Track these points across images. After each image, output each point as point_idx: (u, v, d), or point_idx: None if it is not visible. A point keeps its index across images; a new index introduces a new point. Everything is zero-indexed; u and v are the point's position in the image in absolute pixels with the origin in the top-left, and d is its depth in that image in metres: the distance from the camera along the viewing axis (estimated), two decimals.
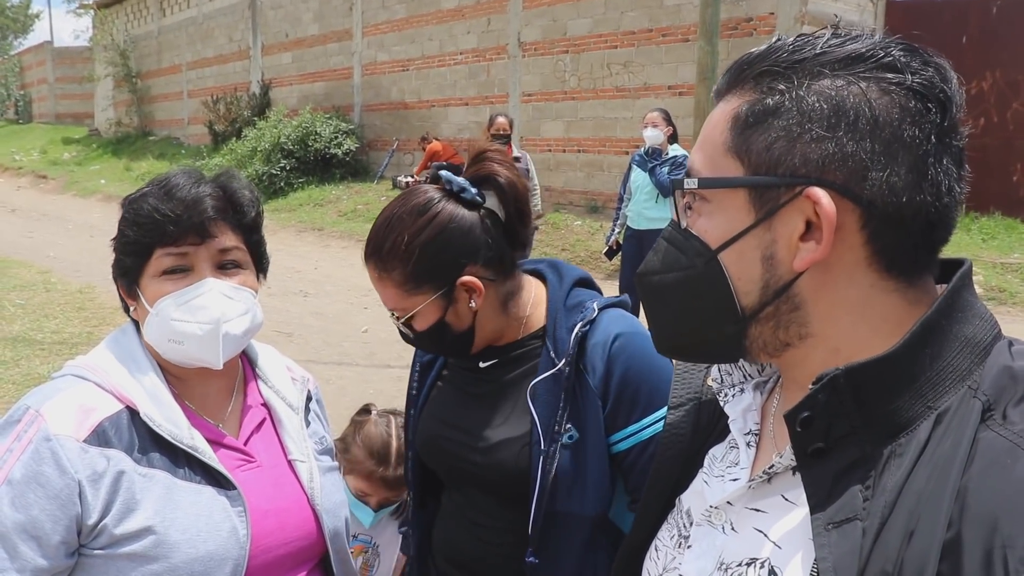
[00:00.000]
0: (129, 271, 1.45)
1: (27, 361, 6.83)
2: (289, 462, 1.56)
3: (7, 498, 1.26)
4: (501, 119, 8.38)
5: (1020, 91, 11.42)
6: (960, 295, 0.83)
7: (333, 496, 1.59)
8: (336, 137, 17.99)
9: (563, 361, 1.52)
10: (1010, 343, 0.82)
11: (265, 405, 1.60)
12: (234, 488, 1.41)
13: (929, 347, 0.80)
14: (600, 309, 1.57)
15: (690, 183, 0.89)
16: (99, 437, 1.33)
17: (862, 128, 0.79)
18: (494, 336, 1.62)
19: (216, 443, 1.47)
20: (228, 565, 1.36)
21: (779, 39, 0.87)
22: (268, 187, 17.33)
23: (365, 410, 2.31)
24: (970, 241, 10.51)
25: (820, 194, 0.80)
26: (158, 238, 1.41)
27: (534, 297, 1.65)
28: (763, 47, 0.87)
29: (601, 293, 1.68)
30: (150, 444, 1.37)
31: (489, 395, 1.64)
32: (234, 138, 20.25)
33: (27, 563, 1.25)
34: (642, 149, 7.44)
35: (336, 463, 1.71)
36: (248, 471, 1.49)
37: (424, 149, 15.97)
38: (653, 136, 7.18)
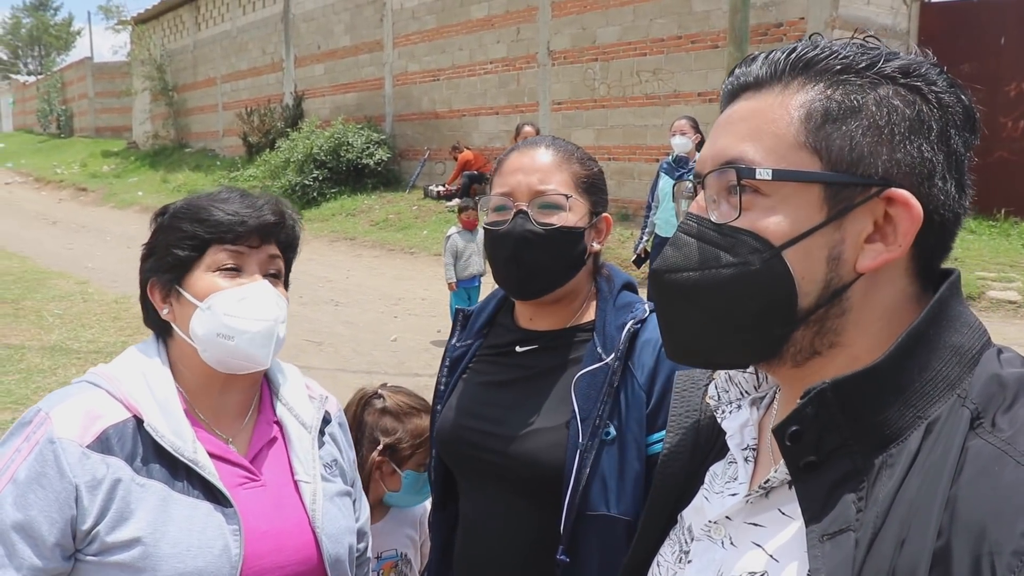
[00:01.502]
0: (178, 266, 1.47)
1: (64, 370, 6.95)
2: (295, 483, 1.53)
3: (10, 497, 1.29)
4: (528, 128, 8.40)
5: None
6: (948, 304, 0.82)
7: (337, 521, 1.55)
8: (368, 147, 18.14)
9: (611, 356, 1.52)
10: (999, 351, 0.82)
11: (278, 423, 1.59)
12: (231, 506, 1.40)
13: (917, 357, 0.80)
14: (651, 311, 1.58)
15: (763, 173, 0.83)
16: (102, 444, 1.35)
17: (933, 139, 0.82)
18: (565, 300, 1.63)
19: (221, 459, 1.46)
20: None
21: (825, 41, 0.87)
22: (301, 197, 17.51)
23: (371, 399, 2.27)
24: (1009, 247, 10.31)
25: (908, 196, 0.80)
26: (221, 235, 1.46)
27: (588, 291, 1.67)
28: (815, 46, 0.86)
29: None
30: (152, 455, 1.38)
31: (521, 382, 1.62)
32: (268, 149, 20.49)
33: (24, 561, 1.27)
34: (670, 156, 7.42)
35: (347, 487, 1.65)
36: (250, 489, 1.47)
37: (455, 158, 16.07)
38: (681, 144, 7.17)
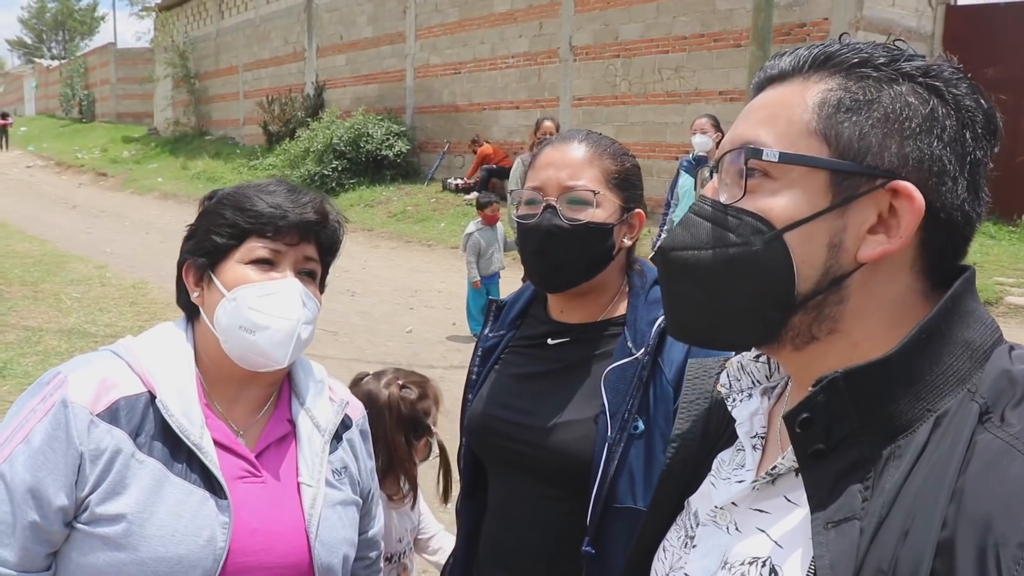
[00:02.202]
0: (214, 251, 1.46)
1: (81, 353, 6.97)
2: (298, 484, 1.49)
3: (23, 456, 1.30)
4: (548, 123, 8.39)
5: None
6: (962, 300, 0.83)
7: (335, 530, 1.50)
8: (388, 139, 18.17)
9: (641, 351, 1.54)
10: (1011, 347, 0.82)
11: (291, 422, 1.55)
12: (226, 497, 1.38)
13: (929, 351, 0.80)
14: None
15: (770, 155, 0.85)
16: (111, 414, 1.35)
17: (946, 138, 0.83)
18: (595, 293, 1.64)
19: (227, 449, 1.44)
20: (196, 573, 1.33)
21: (852, 40, 0.89)
22: (320, 187, 17.55)
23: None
24: None
25: (912, 189, 0.81)
26: (260, 227, 1.44)
27: (620, 286, 1.68)
28: (839, 43, 0.89)
29: None
30: (158, 432, 1.37)
31: (551, 375, 1.63)
32: (288, 138, 20.57)
33: (25, 519, 1.28)
34: (691, 155, 7.39)
35: (354, 497, 1.60)
36: (250, 484, 1.45)
37: (475, 152, 16.07)
38: (702, 143, 7.15)
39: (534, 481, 1.59)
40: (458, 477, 1.85)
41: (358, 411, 1.71)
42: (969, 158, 0.84)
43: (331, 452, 1.57)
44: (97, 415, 1.33)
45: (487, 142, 16.14)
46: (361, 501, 1.63)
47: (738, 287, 0.88)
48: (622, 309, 1.65)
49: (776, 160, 0.85)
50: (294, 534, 1.45)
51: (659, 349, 1.54)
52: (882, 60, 0.85)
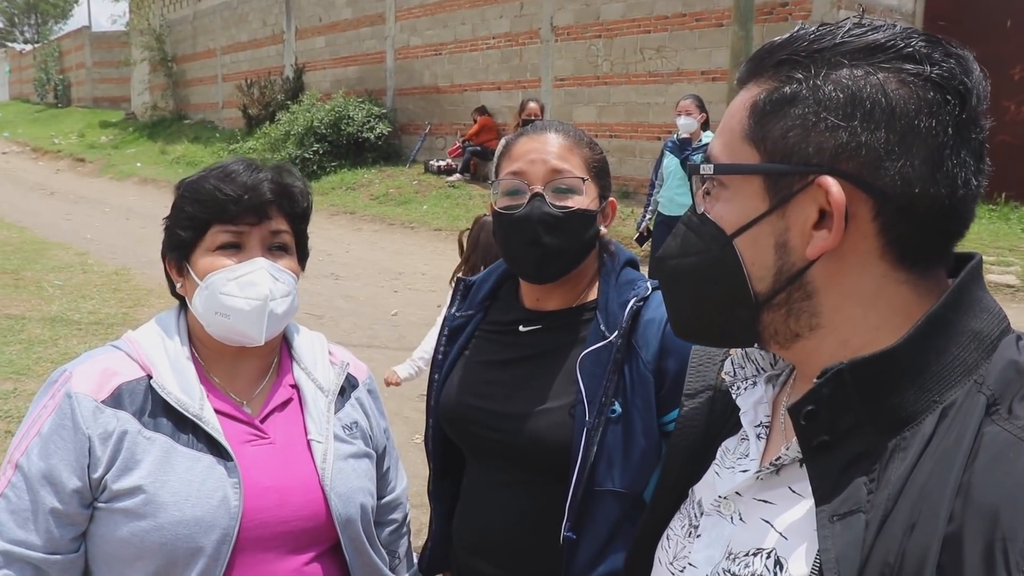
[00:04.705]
0: (183, 245, 1.53)
1: (64, 340, 6.96)
2: (308, 442, 1.57)
3: (37, 447, 1.41)
4: (532, 104, 8.36)
5: None
6: (969, 289, 0.82)
7: (350, 481, 1.57)
8: (369, 121, 18.04)
9: (615, 334, 1.53)
10: (1018, 337, 0.82)
11: (295, 386, 1.63)
12: (232, 460, 1.46)
13: (935, 341, 0.80)
14: (653, 289, 1.59)
15: (706, 169, 0.90)
16: (115, 399, 1.44)
17: (878, 118, 0.79)
18: (573, 281, 1.64)
19: (231, 417, 1.52)
20: (215, 532, 1.41)
21: (801, 28, 0.87)
22: (301, 171, 16.90)
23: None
24: (1008, 231, 10.30)
25: (830, 182, 0.80)
26: (217, 215, 1.50)
27: (594, 272, 1.67)
28: (785, 36, 0.88)
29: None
30: (160, 410, 1.46)
31: (524, 362, 1.63)
32: (268, 122, 20.36)
33: (45, 505, 1.38)
34: (675, 136, 7.40)
35: (368, 449, 1.66)
36: (257, 446, 1.52)
37: (475, 120, 15.96)
38: (687, 124, 7.15)
39: (512, 468, 1.59)
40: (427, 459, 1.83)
41: (363, 371, 1.78)
42: (919, 133, 0.79)
43: (339, 410, 1.65)
44: (102, 401, 1.43)
45: (488, 115, 16.02)
46: (375, 454, 1.70)
47: (707, 291, 0.93)
48: (594, 294, 1.65)
49: (712, 173, 0.90)
50: (309, 488, 1.53)
51: (633, 330, 1.54)
52: (804, 52, 0.84)
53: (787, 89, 0.84)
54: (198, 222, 1.51)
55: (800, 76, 0.84)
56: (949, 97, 0.80)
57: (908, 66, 0.80)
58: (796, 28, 0.88)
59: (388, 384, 4.13)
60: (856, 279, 0.84)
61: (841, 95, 0.81)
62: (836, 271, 0.84)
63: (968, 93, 0.80)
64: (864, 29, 0.83)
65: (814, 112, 0.82)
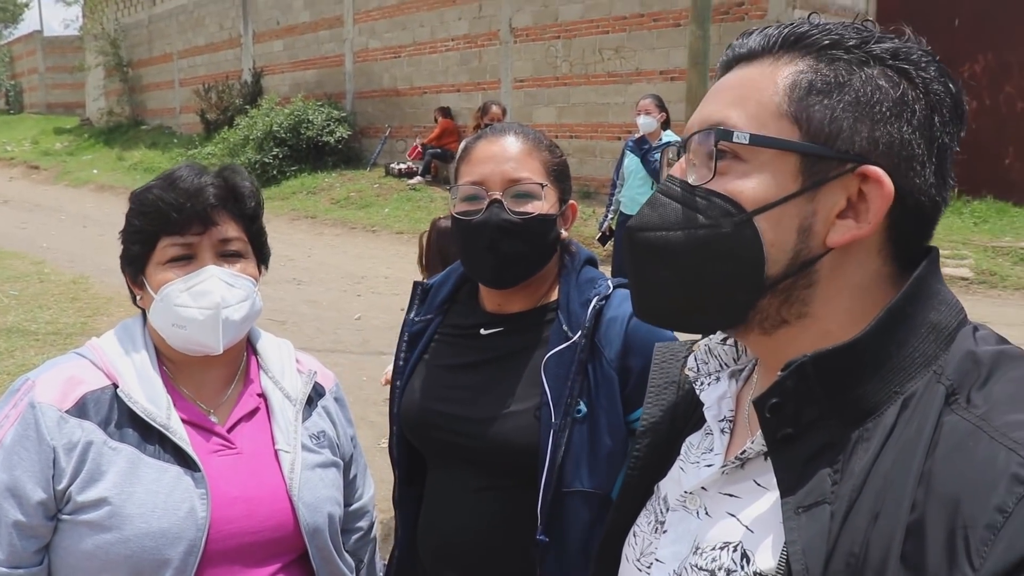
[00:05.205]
0: (136, 260, 1.52)
1: (22, 352, 6.82)
2: (276, 452, 1.55)
3: None
4: (495, 108, 8.31)
5: (1013, 74, 11.40)
6: (927, 282, 0.84)
7: (317, 491, 1.56)
8: (328, 125, 17.90)
9: (578, 334, 1.53)
10: (975, 328, 0.83)
11: (263, 395, 1.61)
12: (200, 470, 1.44)
13: (895, 334, 0.81)
14: (615, 287, 1.58)
15: (741, 137, 0.85)
16: (80, 409, 1.42)
17: (915, 122, 0.83)
18: (535, 284, 1.63)
19: (198, 427, 1.50)
20: (182, 544, 1.39)
21: (821, 20, 0.88)
22: (261, 175, 17.24)
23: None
24: (962, 224, 10.52)
25: (881, 174, 0.81)
26: (163, 227, 1.48)
27: (553, 273, 1.66)
28: (808, 23, 0.87)
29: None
30: (126, 420, 1.44)
31: (486, 365, 1.62)
32: (226, 127, 20.12)
33: (8, 518, 1.35)
34: (634, 135, 7.43)
35: (335, 459, 1.65)
36: (225, 456, 1.51)
37: (436, 120, 15.85)
38: (647, 124, 7.18)
39: (478, 472, 1.58)
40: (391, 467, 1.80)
41: (330, 379, 1.77)
42: (937, 143, 0.83)
43: (306, 419, 1.63)
44: (66, 411, 1.40)
45: (451, 118, 15.93)
46: (342, 463, 1.69)
47: (707, 269, 0.87)
48: (555, 294, 1.64)
49: (747, 142, 0.84)
50: (276, 499, 1.51)
51: (595, 330, 1.54)
52: (853, 42, 0.85)
53: (843, 74, 0.84)
54: (147, 235, 1.50)
55: (852, 64, 0.84)
56: (959, 114, 0.85)
57: (931, 81, 0.84)
58: (815, 18, 0.88)
59: (386, 385, 4.12)
60: (854, 272, 0.85)
61: (892, 92, 0.82)
62: (841, 263, 0.85)
63: (966, 114, 0.86)
64: (880, 35, 0.86)
65: (867, 103, 0.82)
